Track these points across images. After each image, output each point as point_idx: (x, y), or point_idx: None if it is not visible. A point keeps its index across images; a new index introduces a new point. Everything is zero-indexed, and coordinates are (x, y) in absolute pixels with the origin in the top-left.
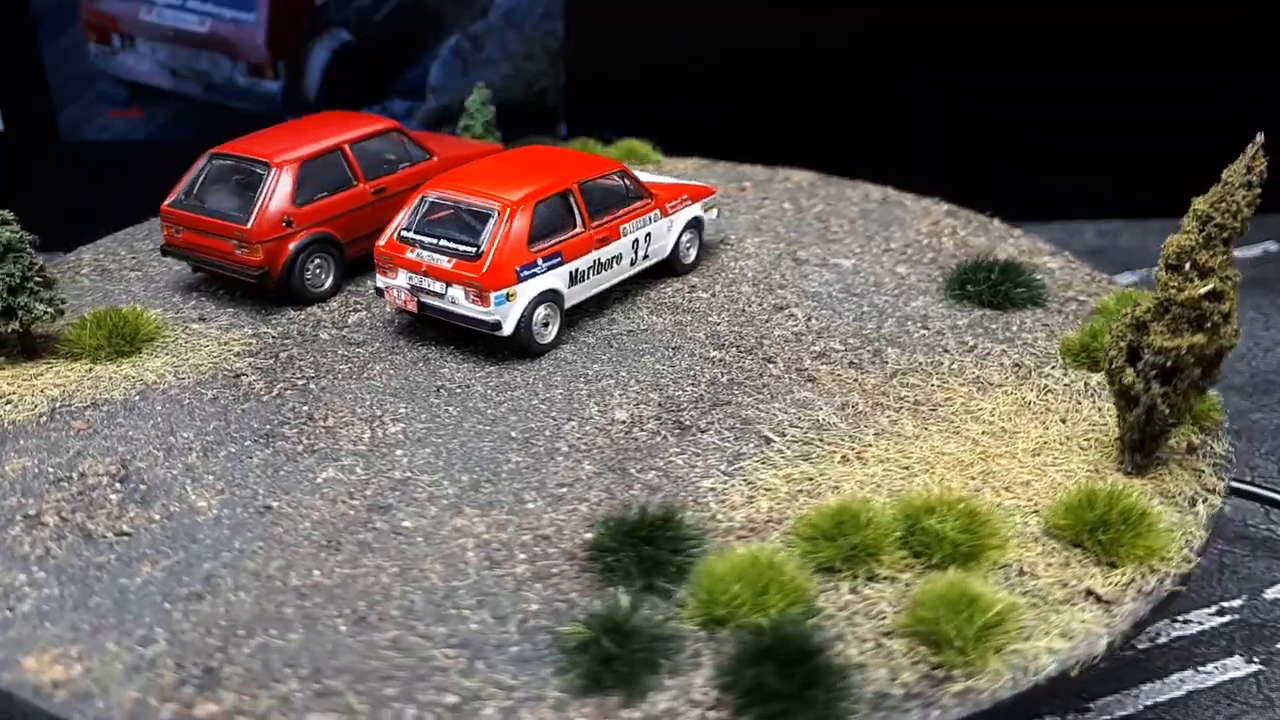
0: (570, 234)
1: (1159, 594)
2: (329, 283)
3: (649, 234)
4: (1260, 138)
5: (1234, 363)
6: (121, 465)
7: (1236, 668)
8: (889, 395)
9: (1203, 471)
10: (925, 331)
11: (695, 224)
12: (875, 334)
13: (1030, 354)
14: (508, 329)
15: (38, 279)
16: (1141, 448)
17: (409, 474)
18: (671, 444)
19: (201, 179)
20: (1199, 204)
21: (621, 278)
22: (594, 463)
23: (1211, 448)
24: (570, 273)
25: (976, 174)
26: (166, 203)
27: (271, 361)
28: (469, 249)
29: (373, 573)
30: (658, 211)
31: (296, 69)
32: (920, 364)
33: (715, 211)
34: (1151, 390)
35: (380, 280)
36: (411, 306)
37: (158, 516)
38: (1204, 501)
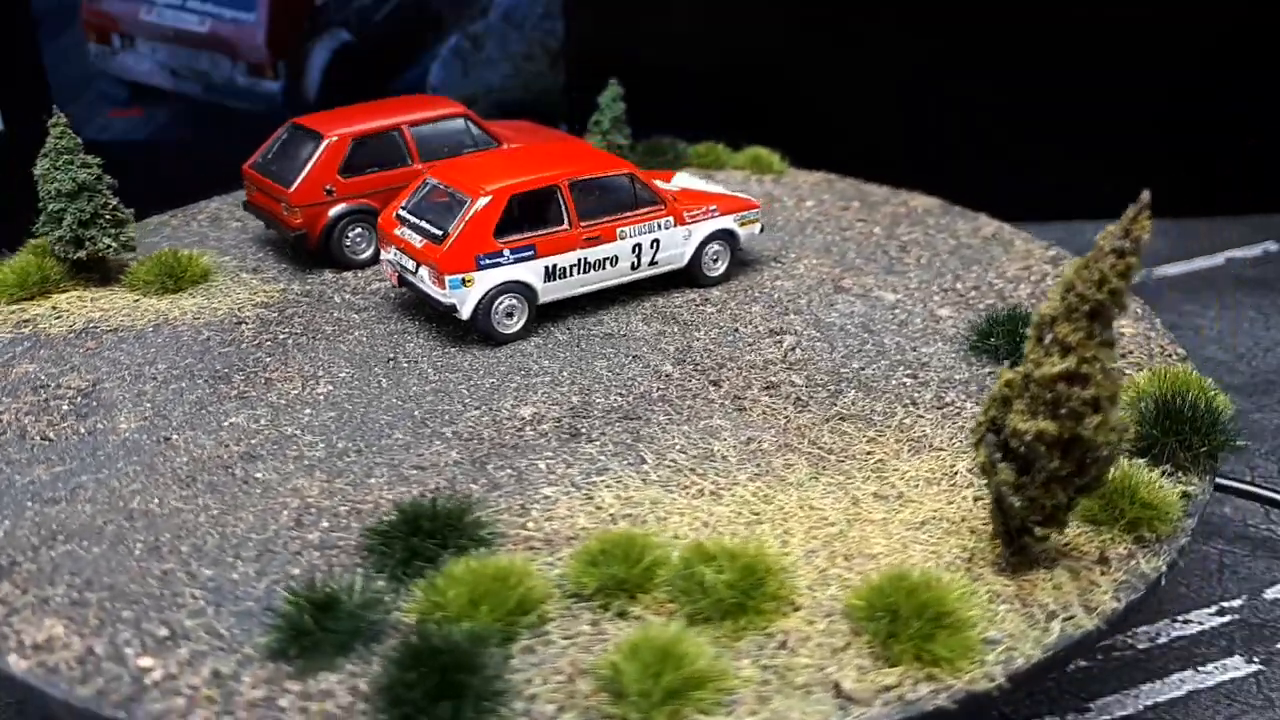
0: (551, 230)
1: (921, 706)
2: (368, 252)
3: (657, 240)
4: (1146, 196)
5: (1234, 363)
6: (93, 383)
7: (1236, 668)
8: (807, 439)
9: (1098, 589)
10: (909, 380)
11: (725, 236)
12: (852, 374)
13: None
14: (465, 313)
15: (108, 217)
16: (1009, 541)
17: (297, 432)
18: (551, 447)
19: (277, 145)
20: (1068, 268)
21: (619, 281)
22: (462, 452)
23: (1138, 565)
24: (546, 268)
25: (976, 174)
26: (247, 164)
27: (275, 315)
28: (438, 232)
29: (198, 511)
30: (671, 219)
31: (296, 69)
32: (871, 412)
33: (759, 227)
34: (1000, 474)
35: (381, 253)
36: (394, 279)
37: (83, 430)
38: (1065, 620)
